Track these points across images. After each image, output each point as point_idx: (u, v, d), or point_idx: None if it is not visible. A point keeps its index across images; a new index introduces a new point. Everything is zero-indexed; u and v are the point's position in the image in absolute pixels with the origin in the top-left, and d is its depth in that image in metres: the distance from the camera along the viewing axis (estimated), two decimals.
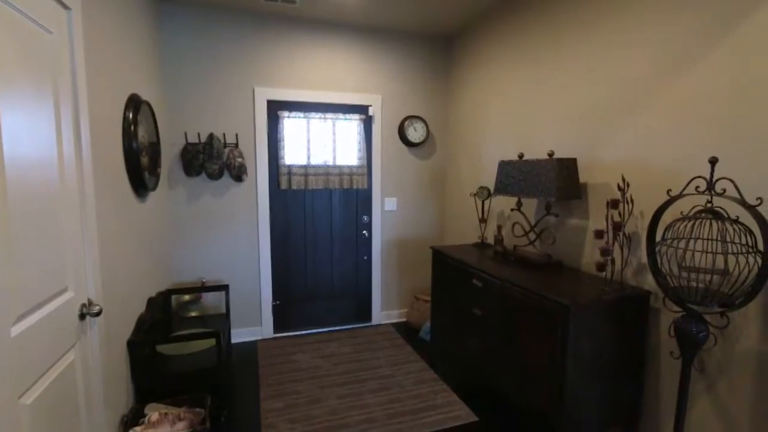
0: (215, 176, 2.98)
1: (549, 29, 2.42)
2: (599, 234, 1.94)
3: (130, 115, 1.95)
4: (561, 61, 2.33)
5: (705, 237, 1.45)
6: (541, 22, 2.48)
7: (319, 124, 3.29)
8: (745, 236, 1.33)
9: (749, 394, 1.50)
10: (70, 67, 1.37)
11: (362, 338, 3.35)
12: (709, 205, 1.41)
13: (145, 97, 2.31)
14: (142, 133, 2.11)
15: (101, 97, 1.68)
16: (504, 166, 2.43)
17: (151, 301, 2.34)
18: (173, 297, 2.83)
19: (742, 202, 1.32)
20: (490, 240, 3.07)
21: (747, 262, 1.34)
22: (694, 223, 1.42)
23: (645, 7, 1.83)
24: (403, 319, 3.76)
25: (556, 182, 2.04)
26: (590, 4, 2.12)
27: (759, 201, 1.33)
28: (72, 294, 1.37)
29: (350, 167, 3.38)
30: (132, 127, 1.94)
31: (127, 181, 2.00)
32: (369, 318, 3.68)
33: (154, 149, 2.38)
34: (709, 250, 1.43)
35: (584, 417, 1.80)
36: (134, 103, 2.02)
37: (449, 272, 2.67)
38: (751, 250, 1.32)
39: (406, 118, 3.50)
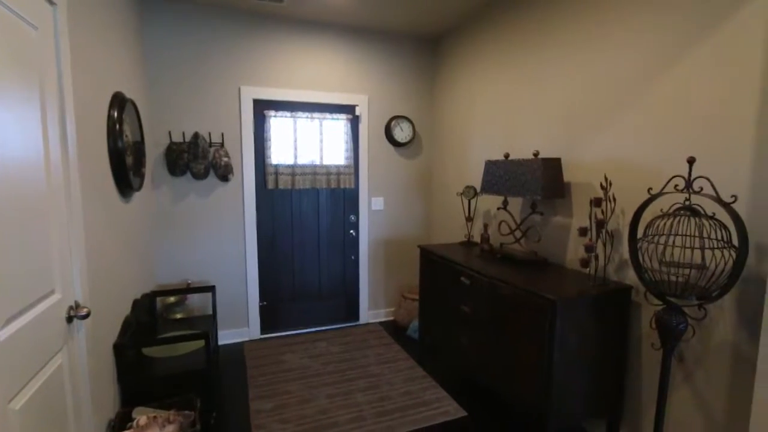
0: (200, 176, 2.94)
1: (533, 31, 2.48)
2: (583, 231, 2.01)
3: (115, 114, 1.91)
4: (545, 62, 2.40)
5: (683, 233, 1.52)
6: (525, 24, 2.54)
7: (306, 123, 3.28)
8: (721, 231, 1.40)
9: (724, 382, 1.57)
10: (55, 63, 1.34)
11: (351, 337, 3.35)
12: (687, 202, 1.48)
13: (129, 95, 2.27)
14: (127, 132, 2.07)
15: (86, 95, 1.65)
16: (490, 165, 2.48)
17: (136, 304, 2.30)
18: (158, 299, 2.79)
19: (718, 200, 1.39)
20: (477, 238, 3.12)
21: (723, 256, 1.41)
22: (673, 220, 1.49)
23: (628, 10, 1.90)
24: (391, 318, 3.78)
25: (541, 181, 2.10)
26: (574, 6, 2.19)
27: (734, 198, 1.41)
28: (59, 296, 1.34)
29: (337, 167, 3.38)
30: (117, 126, 1.90)
31: (112, 181, 1.96)
32: (357, 317, 3.69)
33: (139, 148, 2.33)
34: (688, 245, 1.50)
35: (570, 408, 1.85)
36: (119, 101, 1.98)
37: (437, 270, 2.71)
38: (726, 245, 1.39)
39: (392, 118, 3.52)
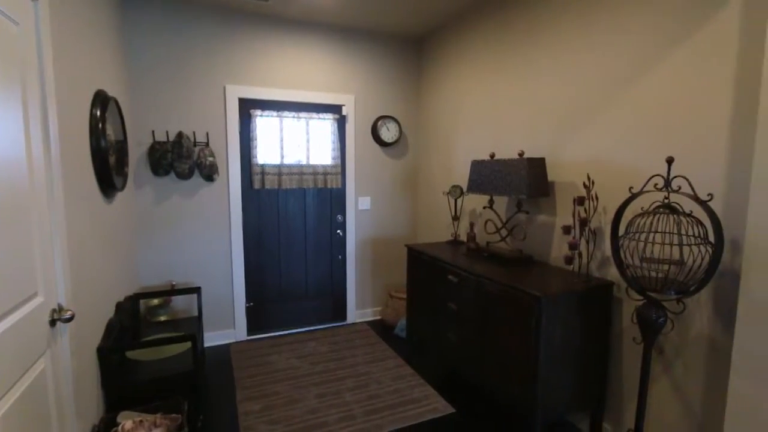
0: (185, 176, 2.89)
1: (523, 31, 2.52)
2: (567, 229, 2.06)
3: (98, 112, 1.87)
4: (533, 63, 2.44)
5: (663, 230, 1.58)
6: (515, 24, 2.59)
7: (293, 123, 3.27)
8: (698, 228, 1.46)
9: (701, 372, 1.64)
10: (37, 60, 1.31)
11: (338, 337, 3.35)
12: (666, 201, 1.53)
13: (111, 93, 2.22)
14: (110, 131, 2.03)
15: (67, 93, 1.61)
16: (476, 165, 2.51)
17: (119, 306, 2.25)
18: (141, 301, 2.73)
19: (695, 198, 1.44)
20: (463, 237, 3.16)
21: (700, 252, 1.47)
22: (653, 218, 1.54)
23: (610, 14, 1.96)
24: (378, 317, 3.79)
25: (526, 180, 2.14)
26: (558, 9, 2.24)
27: (710, 197, 1.47)
28: (42, 299, 1.31)
29: (324, 167, 3.38)
30: (100, 125, 1.86)
31: (94, 180, 1.91)
32: (344, 317, 3.69)
33: (122, 148, 2.29)
34: (667, 242, 1.55)
35: (556, 402, 1.90)
36: (101, 99, 1.93)
37: (425, 269, 2.73)
38: (702, 241, 1.45)
39: (379, 118, 3.53)
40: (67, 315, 1.40)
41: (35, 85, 1.30)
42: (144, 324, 2.69)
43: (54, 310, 1.38)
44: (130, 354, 2.23)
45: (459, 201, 3.17)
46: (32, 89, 1.28)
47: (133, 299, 2.55)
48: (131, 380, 2.00)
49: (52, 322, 1.36)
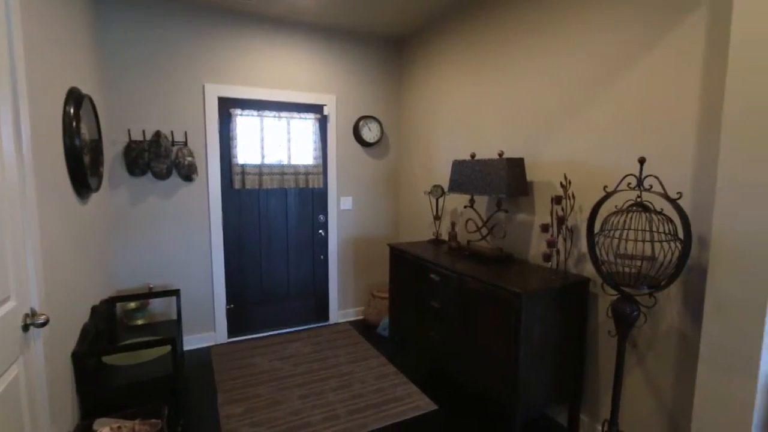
0: (162, 176, 2.83)
1: (501, 32, 2.57)
2: (545, 228, 2.12)
3: (72, 110, 1.81)
4: (511, 64, 2.50)
5: (635, 228, 1.64)
6: (493, 26, 2.64)
7: (274, 122, 3.24)
8: (668, 225, 1.53)
9: (672, 363, 1.72)
10: (8, 55, 1.26)
11: (321, 338, 3.34)
12: (638, 199, 1.60)
13: (85, 90, 2.15)
14: (84, 130, 1.97)
15: (39, 90, 1.55)
16: (457, 165, 2.55)
17: (94, 310, 2.18)
18: (117, 305, 2.66)
19: (666, 196, 1.51)
20: (444, 236, 3.20)
21: (670, 248, 1.54)
22: (626, 216, 1.60)
23: (588, 17, 2.01)
24: (360, 317, 3.80)
25: (506, 180, 2.19)
26: (538, 12, 2.29)
27: (679, 195, 1.53)
28: (14, 303, 1.26)
29: (306, 166, 3.36)
30: (74, 123, 1.81)
31: (68, 181, 1.85)
32: (326, 318, 3.68)
33: (96, 147, 2.22)
34: (639, 239, 1.62)
35: (535, 397, 1.95)
36: (75, 97, 1.88)
37: (407, 268, 2.76)
38: (672, 237, 1.52)
39: (360, 118, 3.54)
40: (41, 320, 1.35)
41: (6, 81, 1.25)
42: (121, 328, 2.63)
43: (27, 315, 1.33)
44: (106, 359, 2.17)
45: (440, 200, 3.21)
46: (3, 85, 1.23)
47: (109, 303, 2.48)
48: (108, 386, 1.95)
49: (25, 327, 1.32)
